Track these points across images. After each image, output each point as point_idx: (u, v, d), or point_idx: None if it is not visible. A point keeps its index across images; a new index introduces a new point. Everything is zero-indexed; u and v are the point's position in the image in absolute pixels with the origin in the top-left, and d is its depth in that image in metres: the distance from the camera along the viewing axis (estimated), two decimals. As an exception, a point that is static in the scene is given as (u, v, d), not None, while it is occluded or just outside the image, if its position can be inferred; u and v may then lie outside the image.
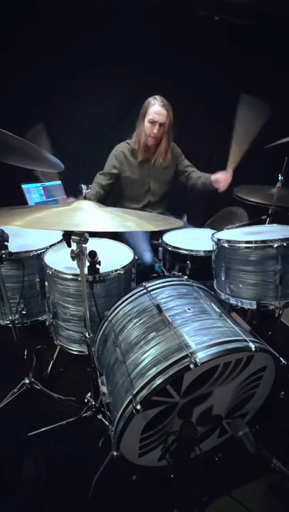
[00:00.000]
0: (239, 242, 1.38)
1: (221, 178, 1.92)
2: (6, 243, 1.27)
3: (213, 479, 1.12)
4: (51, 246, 1.56)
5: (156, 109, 1.86)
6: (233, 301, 1.47)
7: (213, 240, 1.51)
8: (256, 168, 2.71)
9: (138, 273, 1.56)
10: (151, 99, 1.89)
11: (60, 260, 1.42)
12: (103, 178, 1.99)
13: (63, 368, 1.70)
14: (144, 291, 1.24)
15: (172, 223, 1.22)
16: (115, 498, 1.14)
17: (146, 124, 1.90)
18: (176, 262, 1.75)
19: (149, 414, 0.95)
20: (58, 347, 1.70)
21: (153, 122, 1.88)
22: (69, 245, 1.03)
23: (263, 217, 1.87)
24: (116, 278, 1.38)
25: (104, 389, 1.06)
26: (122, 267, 1.37)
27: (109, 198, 2.33)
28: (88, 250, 1.08)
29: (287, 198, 1.65)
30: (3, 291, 1.36)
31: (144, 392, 0.89)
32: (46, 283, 1.45)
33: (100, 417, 1.36)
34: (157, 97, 1.89)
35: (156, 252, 1.94)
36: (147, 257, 1.80)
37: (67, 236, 1.00)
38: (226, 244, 1.42)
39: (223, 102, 2.69)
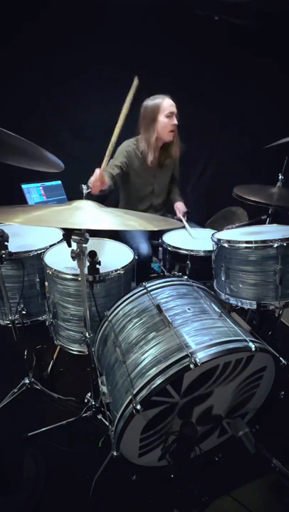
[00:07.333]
0: (239, 242, 1.38)
1: (180, 208, 2.11)
2: (6, 243, 1.26)
3: (213, 479, 1.12)
4: (51, 246, 1.56)
5: (169, 101, 1.87)
6: (233, 301, 1.47)
7: (213, 240, 1.51)
8: (256, 168, 2.72)
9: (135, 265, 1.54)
10: (156, 99, 1.87)
11: (60, 260, 1.42)
12: (115, 168, 1.91)
13: (63, 368, 1.70)
14: (144, 291, 1.24)
15: (172, 223, 1.22)
16: (115, 498, 1.14)
17: (164, 119, 1.87)
18: (176, 262, 1.75)
19: (149, 414, 0.95)
20: (58, 347, 1.70)
21: (171, 114, 1.87)
22: (69, 245, 1.03)
23: (263, 217, 1.87)
24: (116, 278, 1.37)
25: (104, 389, 1.05)
26: (122, 267, 1.37)
27: (112, 200, 2.33)
28: (88, 250, 1.08)
29: (287, 198, 1.65)
30: (3, 291, 1.36)
31: (144, 392, 0.89)
32: (46, 283, 1.45)
33: (99, 417, 1.36)
34: (157, 95, 1.88)
35: (156, 252, 1.94)
36: (144, 248, 1.78)
37: (68, 236, 1.00)
38: (226, 244, 1.42)
39: (223, 101, 2.71)
